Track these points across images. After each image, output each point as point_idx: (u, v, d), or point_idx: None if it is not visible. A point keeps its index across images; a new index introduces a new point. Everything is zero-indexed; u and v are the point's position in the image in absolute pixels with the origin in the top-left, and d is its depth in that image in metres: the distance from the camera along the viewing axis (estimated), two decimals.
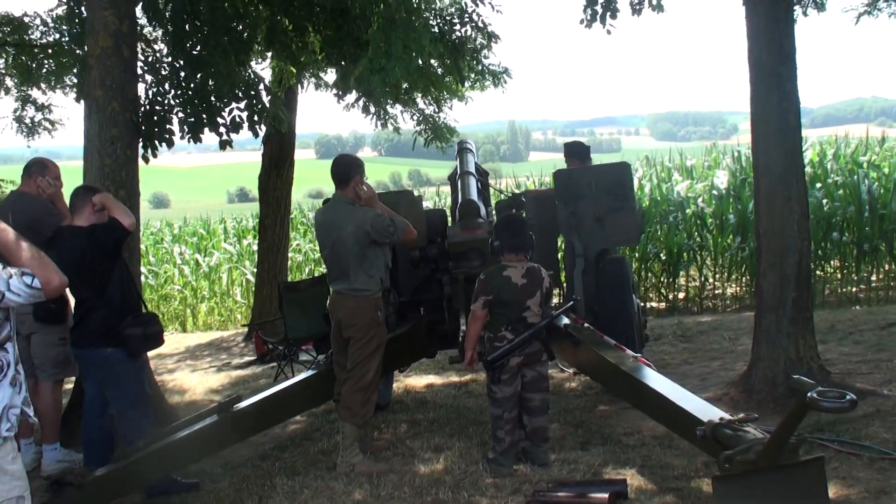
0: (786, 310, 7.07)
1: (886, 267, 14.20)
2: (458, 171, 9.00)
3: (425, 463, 6.44)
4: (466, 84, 13.15)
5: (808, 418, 6.17)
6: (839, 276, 14.38)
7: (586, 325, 7.07)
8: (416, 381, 9.36)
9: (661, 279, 15.05)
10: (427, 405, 8.25)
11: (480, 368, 6.34)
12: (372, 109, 11.35)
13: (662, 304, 14.69)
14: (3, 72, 11.50)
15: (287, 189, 13.67)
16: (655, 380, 5.73)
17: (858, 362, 8.11)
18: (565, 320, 7.06)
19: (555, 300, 9.87)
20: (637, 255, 14.67)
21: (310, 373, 7.16)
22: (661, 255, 14.77)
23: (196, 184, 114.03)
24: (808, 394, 4.06)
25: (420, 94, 13.11)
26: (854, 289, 13.91)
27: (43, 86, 11.15)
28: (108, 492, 5.50)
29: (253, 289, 15.03)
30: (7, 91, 11.57)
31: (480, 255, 7.40)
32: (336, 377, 6.69)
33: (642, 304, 14.44)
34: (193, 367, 12.17)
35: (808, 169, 15.11)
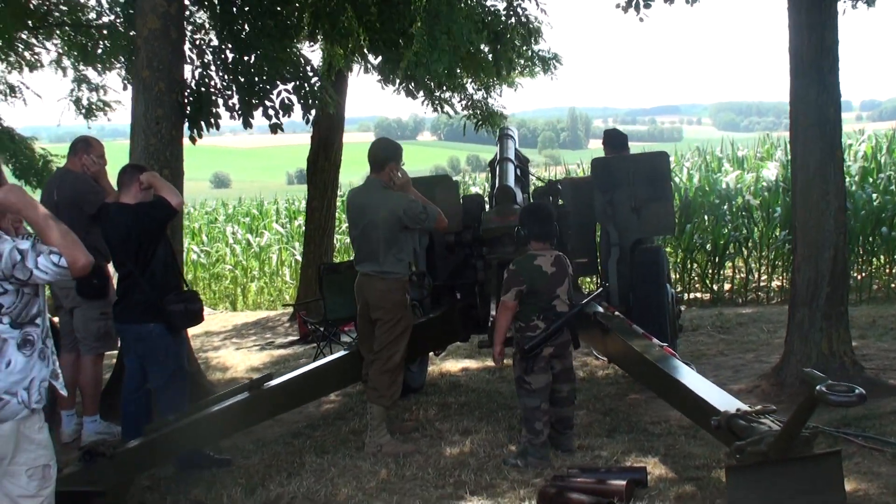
0: (819, 304, 7.02)
1: None
2: (498, 158, 9.04)
3: (452, 445, 6.54)
4: (516, 70, 13.17)
5: (836, 413, 6.21)
6: (888, 270, 14.15)
7: (617, 313, 7.09)
8: (452, 364, 9.45)
9: (706, 270, 14.93)
10: (460, 388, 8.33)
11: (508, 359, 6.42)
12: (419, 95, 11.41)
13: (707, 295, 14.59)
14: (61, 52, 11.76)
15: (335, 172, 13.81)
16: (679, 370, 5.75)
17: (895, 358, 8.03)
18: (599, 308, 7.10)
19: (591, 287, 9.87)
20: (682, 245, 14.59)
21: (341, 353, 7.29)
22: (707, 245, 14.65)
23: (257, 164, 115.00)
24: (817, 387, 4.06)
25: (470, 80, 13.16)
26: None
27: (98, 66, 11.40)
28: (139, 463, 5.64)
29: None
30: (65, 72, 11.84)
31: (514, 241, 7.45)
32: (363, 358, 6.81)
33: (679, 295, 14.41)
34: (238, 345, 12.38)
35: (861, 163, 14.92)
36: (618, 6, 7.77)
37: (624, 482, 5.20)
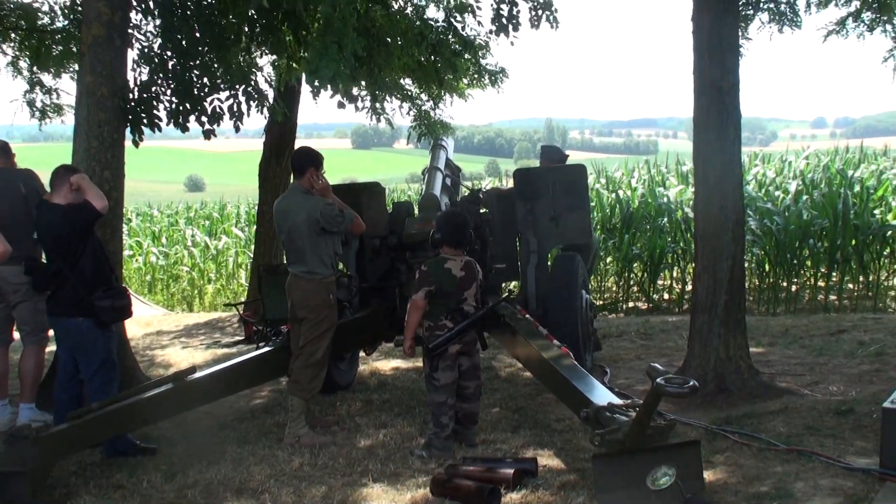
0: (717, 311, 7.43)
1: (860, 277, 14.48)
2: (428, 167, 9.44)
3: (366, 438, 6.92)
4: (462, 81, 13.61)
5: (721, 412, 6.69)
6: (812, 283, 14.67)
7: (527, 316, 7.46)
8: (383, 364, 9.82)
9: (642, 280, 15.41)
10: (386, 387, 8.69)
11: (419, 355, 6.79)
12: (361, 105, 11.78)
13: (646, 304, 15.06)
14: (18, 54, 11.99)
15: (286, 177, 14.11)
16: (567, 367, 6.11)
17: (796, 364, 8.46)
18: (516, 312, 7.46)
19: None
20: (620, 255, 15.07)
21: (266, 349, 7.64)
22: (644, 256, 15.12)
23: (234, 168, 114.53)
24: (656, 380, 4.48)
25: (420, 90, 13.57)
26: (833, 297, 14.20)
27: (52, 70, 11.67)
28: (61, 448, 5.92)
29: None
30: (20, 73, 12.08)
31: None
32: (293, 354, 7.17)
33: (618, 303, 14.85)
34: (185, 344, 12.68)
35: (799, 180, 15.47)
36: (490, 32, 8.56)
37: (511, 471, 5.59)
